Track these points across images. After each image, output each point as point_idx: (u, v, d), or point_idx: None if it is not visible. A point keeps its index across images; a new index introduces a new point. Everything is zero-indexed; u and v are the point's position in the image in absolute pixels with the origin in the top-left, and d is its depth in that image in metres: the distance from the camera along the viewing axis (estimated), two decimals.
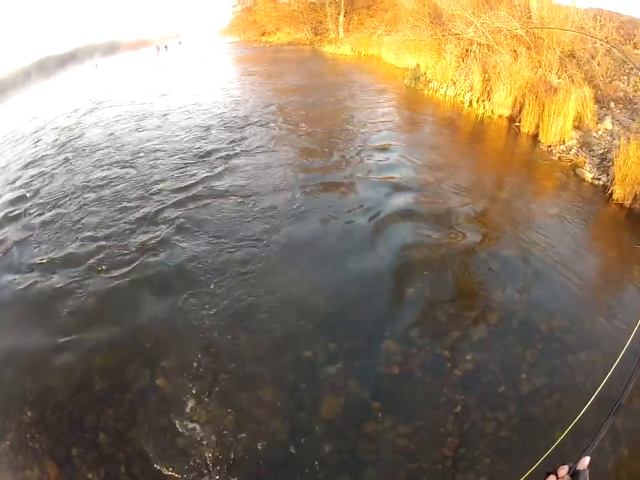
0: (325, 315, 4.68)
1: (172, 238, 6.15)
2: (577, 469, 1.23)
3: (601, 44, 10.57)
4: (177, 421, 3.64)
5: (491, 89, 11.54)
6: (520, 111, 10.35)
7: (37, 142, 12.30)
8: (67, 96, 20.65)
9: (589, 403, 1.56)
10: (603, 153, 8.09)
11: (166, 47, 39.29)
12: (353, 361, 4.11)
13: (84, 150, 10.68)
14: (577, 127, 9.07)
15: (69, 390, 4.08)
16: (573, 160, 8.31)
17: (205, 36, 50.71)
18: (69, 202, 7.72)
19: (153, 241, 6.12)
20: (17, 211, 7.73)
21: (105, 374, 4.19)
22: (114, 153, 10.14)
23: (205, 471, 3.30)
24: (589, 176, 7.65)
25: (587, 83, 9.73)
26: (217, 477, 3.26)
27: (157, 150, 9.93)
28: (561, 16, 11.76)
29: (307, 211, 6.69)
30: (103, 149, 10.57)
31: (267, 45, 34.50)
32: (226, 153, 9.34)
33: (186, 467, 3.33)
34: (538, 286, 5.06)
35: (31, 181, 9.04)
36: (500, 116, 11.16)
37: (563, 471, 1.24)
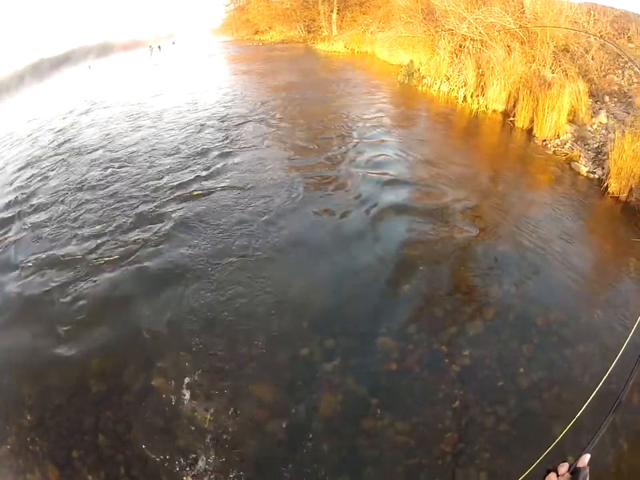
0: (320, 312, 4.67)
1: (168, 237, 6.12)
2: (577, 466, 1.23)
3: (595, 38, 10.60)
4: (175, 422, 3.63)
5: (484, 84, 11.55)
6: (514, 106, 10.36)
7: (33, 144, 12.25)
8: (61, 98, 20.58)
9: (589, 400, 1.55)
10: (598, 147, 8.11)
11: (159, 47, 39.21)
12: (349, 357, 4.10)
13: (80, 150, 10.65)
14: (571, 121, 9.09)
15: (67, 393, 4.06)
16: (567, 154, 8.32)
17: (198, 36, 50.69)
18: (65, 202, 7.70)
19: (149, 241, 6.09)
20: (15, 211, 7.71)
21: (102, 376, 4.17)
22: (110, 152, 10.13)
23: (205, 471, 3.30)
24: (584, 170, 7.66)
25: (581, 77, 9.75)
26: (216, 477, 3.25)
27: (151, 149, 9.92)
28: (555, 10, 11.78)
29: (301, 208, 6.68)
30: (98, 149, 10.55)
31: (260, 44, 34.51)
32: (220, 151, 9.32)
33: (185, 468, 3.32)
34: (534, 280, 5.05)
35: (28, 182, 9.01)
36: (494, 111, 11.17)
37: (563, 468, 1.24)
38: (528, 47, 11.40)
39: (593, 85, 9.84)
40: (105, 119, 13.77)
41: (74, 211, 7.28)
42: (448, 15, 13.69)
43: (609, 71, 10.63)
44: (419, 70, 14.96)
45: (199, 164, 8.66)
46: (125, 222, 6.69)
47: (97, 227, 6.64)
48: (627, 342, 1.67)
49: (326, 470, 3.25)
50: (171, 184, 7.81)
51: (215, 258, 5.56)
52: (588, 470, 1.22)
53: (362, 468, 3.27)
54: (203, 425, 3.58)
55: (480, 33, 12.44)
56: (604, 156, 7.59)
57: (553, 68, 10.71)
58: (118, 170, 8.87)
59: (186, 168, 8.52)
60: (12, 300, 5.40)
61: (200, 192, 7.38)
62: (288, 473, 3.26)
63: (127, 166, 9.03)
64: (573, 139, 8.69)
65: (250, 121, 11.46)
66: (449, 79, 13.42)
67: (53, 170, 9.50)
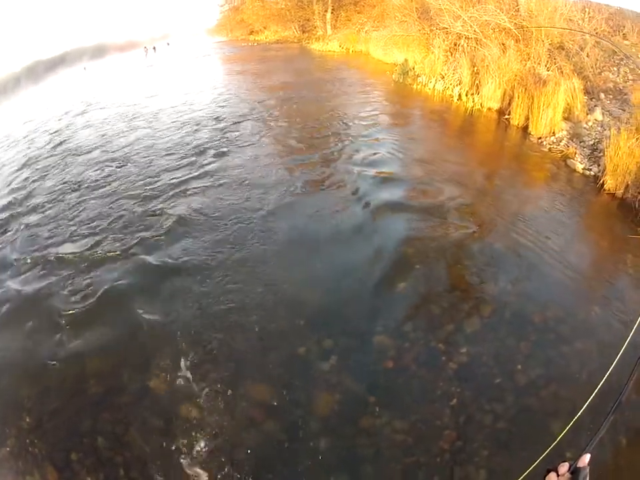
0: (317, 311, 4.66)
1: (166, 236, 6.11)
2: (578, 466, 1.23)
3: (590, 36, 10.62)
4: (172, 423, 3.62)
5: (479, 82, 11.55)
6: (509, 104, 10.37)
7: (29, 145, 12.19)
8: (57, 99, 20.47)
9: (589, 401, 1.54)
10: (593, 144, 8.12)
11: (154, 48, 38.97)
12: (346, 356, 4.09)
13: (76, 151, 10.61)
14: (566, 119, 9.10)
15: (66, 394, 4.04)
16: (563, 151, 8.33)
17: (193, 36, 50.46)
18: (62, 201, 7.68)
19: (146, 240, 6.08)
20: (12, 211, 7.67)
21: (100, 376, 4.15)
22: (106, 153, 10.10)
23: (203, 471, 3.29)
24: (579, 167, 7.68)
25: (576, 74, 9.77)
26: (215, 477, 3.25)
27: (148, 149, 9.92)
28: (549, 8, 11.78)
29: (297, 207, 6.69)
30: (95, 149, 10.52)
31: (255, 44, 34.48)
32: (216, 150, 9.33)
33: (184, 468, 3.32)
34: (531, 277, 5.06)
35: (25, 183, 8.96)
36: (489, 109, 11.18)
37: (563, 468, 1.24)
38: (523, 45, 11.40)
39: (588, 82, 9.87)
40: (100, 120, 13.72)
41: (71, 211, 7.25)
42: (442, 13, 13.68)
43: (604, 68, 10.67)
44: (413, 68, 14.97)
45: (195, 163, 8.67)
46: (122, 221, 6.67)
47: (94, 226, 6.62)
48: (627, 342, 1.67)
49: (324, 469, 3.24)
50: (168, 183, 7.80)
51: (211, 258, 5.55)
52: (588, 470, 1.21)
53: (360, 466, 3.27)
54: (201, 425, 3.57)
55: (474, 31, 12.44)
56: (600, 153, 7.60)
57: (548, 65, 10.73)
58: (115, 170, 8.86)
59: (183, 167, 8.52)
60: (10, 300, 5.36)
61: (196, 191, 7.39)
62: (286, 472, 3.26)
63: (124, 166, 9.02)
64: (568, 136, 8.70)
65: (245, 120, 11.46)
66: (443, 77, 13.43)
67: (50, 171, 9.46)
